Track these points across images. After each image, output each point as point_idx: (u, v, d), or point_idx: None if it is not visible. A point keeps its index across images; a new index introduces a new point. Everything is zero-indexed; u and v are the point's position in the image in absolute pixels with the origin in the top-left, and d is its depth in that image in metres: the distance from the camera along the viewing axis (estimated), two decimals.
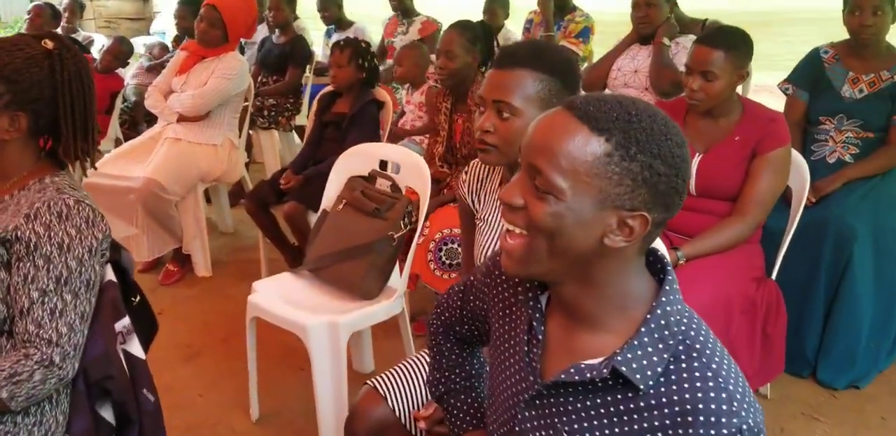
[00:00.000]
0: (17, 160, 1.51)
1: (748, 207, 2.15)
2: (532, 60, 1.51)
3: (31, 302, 1.39)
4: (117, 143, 4.70)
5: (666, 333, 0.92)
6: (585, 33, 4.05)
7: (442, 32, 2.83)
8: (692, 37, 3.14)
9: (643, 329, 0.93)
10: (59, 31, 5.54)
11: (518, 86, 1.50)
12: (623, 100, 0.95)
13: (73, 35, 5.33)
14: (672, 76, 3.02)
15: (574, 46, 4.01)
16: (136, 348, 1.66)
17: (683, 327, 0.93)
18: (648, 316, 0.93)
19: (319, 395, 2.21)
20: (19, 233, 1.40)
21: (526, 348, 1.05)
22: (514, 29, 4.83)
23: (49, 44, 1.49)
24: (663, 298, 0.94)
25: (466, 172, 1.78)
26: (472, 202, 1.77)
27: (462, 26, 2.82)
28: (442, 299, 1.39)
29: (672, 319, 0.93)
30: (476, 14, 5.01)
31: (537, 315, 1.04)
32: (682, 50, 3.08)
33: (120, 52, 4.73)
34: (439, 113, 2.91)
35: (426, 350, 1.74)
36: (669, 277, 0.97)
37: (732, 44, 2.14)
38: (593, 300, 0.97)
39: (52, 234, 1.40)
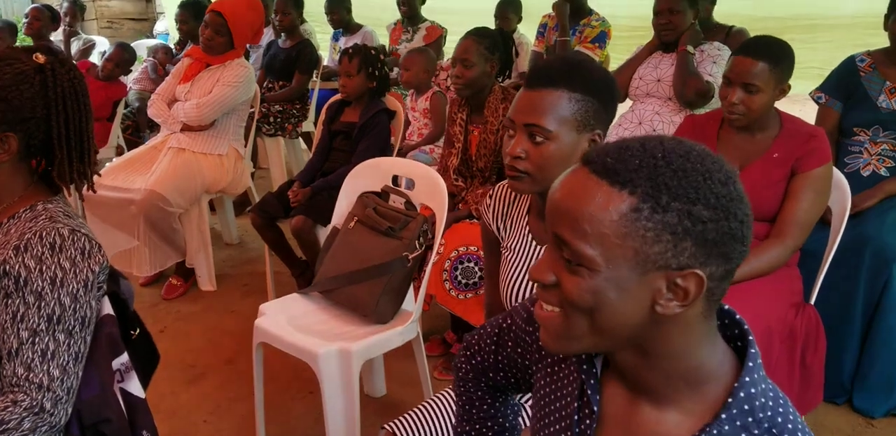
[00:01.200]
0: (6, 185, 1.39)
1: (788, 229, 2.02)
2: (566, 79, 1.39)
3: (20, 342, 1.27)
4: (119, 150, 4.60)
5: (750, 420, 0.79)
6: (602, 38, 3.91)
7: (459, 39, 2.70)
8: (718, 45, 3.02)
9: (724, 415, 0.79)
10: (59, 33, 5.44)
11: (552, 107, 1.37)
12: (648, 142, 0.82)
13: (73, 38, 5.22)
14: (697, 85, 2.89)
15: (590, 51, 3.88)
16: (134, 386, 1.54)
17: (770, 413, 0.80)
18: (730, 400, 0.80)
19: (330, 424, 2.09)
20: (8, 267, 1.28)
21: (577, 417, 0.92)
22: (527, 33, 4.70)
23: (41, 58, 1.37)
24: (746, 378, 0.80)
25: (491, 197, 1.66)
26: (497, 229, 1.64)
27: (480, 34, 2.70)
28: (472, 341, 1.27)
29: (757, 403, 0.80)
30: (485, 18, 4.91)
31: (591, 382, 0.91)
32: (706, 58, 2.96)
33: (122, 59, 4.60)
34: (454, 124, 2.79)
35: (450, 390, 1.62)
36: (752, 350, 0.83)
37: (777, 56, 2.00)
38: (656, 373, 0.84)
39: (45, 267, 1.29)
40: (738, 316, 0.87)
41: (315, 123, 4.76)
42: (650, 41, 3.15)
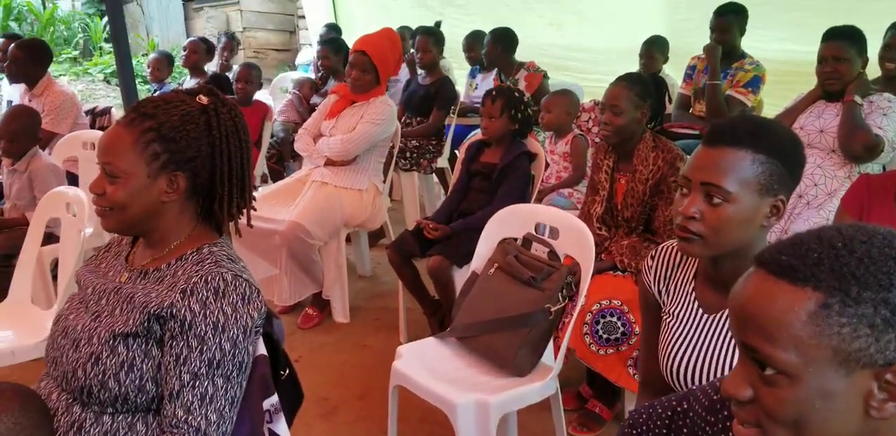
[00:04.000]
0: (175, 224, 1.46)
1: None
2: (751, 139, 1.32)
3: (181, 385, 1.32)
4: (263, 178, 4.78)
5: None
6: (755, 83, 3.74)
7: (608, 85, 2.65)
8: (888, 96, 2.82)
9: None
10: (214, 66, 5.76)
11: (733, 168, 1.31)
12: (823, 232, 0.77)
13: (227, 72, 5.51)
14: (865, 139, 2.71)
15: (742, 97, 3.73)
16: (282, 427, 1.57)
17: None
18: None
19: None
20: (175, 310, 1.33)
21: None
22: (673, 75, 4.58)
23: (204, 99, 1.43)
24: None
25: (653, 257, 1.59)
26: (659, 293, 1.57)
27: (631, 80, 2.64)
28: (639, 419, 1.20)
29: None
30: (626, 57, 4.81)
31: None
32: (875, 110, 2.77)
33: (249, 76, 4.66)
34: (599, 170, 2.73)
35: None
36: None
37: None
38: None
39: (208, 312, 1.33)
40: None
41: (450, 160, 4.82)
42: (812, 90, 2.99)
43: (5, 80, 5.08)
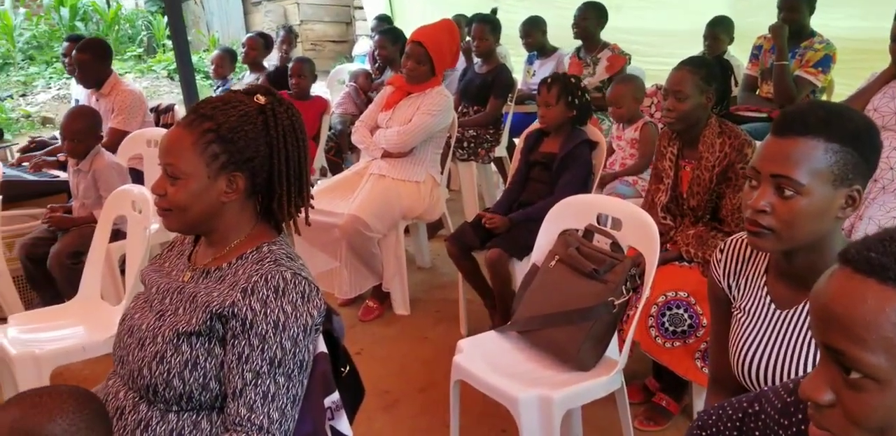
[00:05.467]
0: (235, 223, 1.47)
1: None
2: (824, 127, 1.24)
3: (244, 383, 1.32)
4: (322, 171, 4.81)
5: None
6: (826, 62, 3.58)
7: (671, 70, 2.56)
8: None
9: None
10: (274, 60, 5.81)
11: (805, 158, 1.24)
12: None
13: (288, 64, 5.54)
14: None
15: (811, 77, 3.58)
16: (343, 424, 1.57)
17: None
18: None
19: None
20: (236, 309, 1.34)
21: None
22: (738, 56, 4.41)
23: (261, 99, 1.43)
24: None
25: (722, 251, 1.52)
26: (728, 287, 1.51)
27: (695, 64, 2.55)
28: (708, 420, 1.15)
29: None
30: (688, 38, 4.66)
31: None
32: None
33: (303, 70, 4.64)
34: (663, 158, 2.65)
35: None
36: None
37: None
38: None
39: (269, 311, 1.33)
40: None
41: (508, 148, 4.76)
42: (886, 69, 2.83)
43: (73, 79, 5.22)
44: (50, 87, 10.34)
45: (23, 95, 10.21)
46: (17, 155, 5.00)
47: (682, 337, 2.29)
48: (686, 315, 2.29)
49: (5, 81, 10.59)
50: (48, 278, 3.23)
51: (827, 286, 0.75)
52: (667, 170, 2.61)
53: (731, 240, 1.53)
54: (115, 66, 10.45)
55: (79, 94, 4.91)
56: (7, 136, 7.48)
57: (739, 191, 2.43)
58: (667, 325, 2.31)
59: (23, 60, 11.19)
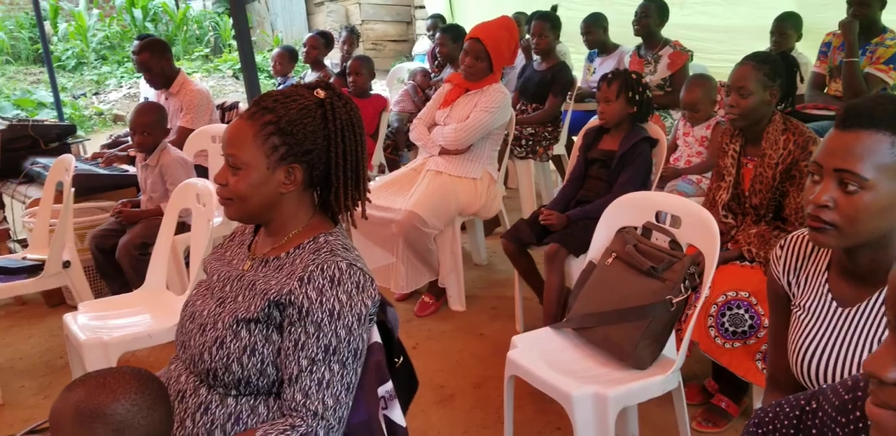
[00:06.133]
0: (293, 214, 1.50)
1: None
2: (890, 120, 1.21)
3: (299, 370, 1.36)
4: (381, 169, 4.86)
5: None
6: None
7: (734, 66, 2.51)
8: None
9: None
10: (336, 59, 5.90)
11: (870, 152, 1.21)
12: None
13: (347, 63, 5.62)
14: None
15: (882, 74, 3.46)
16: (397, 414, 1.59)
17: None
18: None
19: None
20: (293, 297, 1.37)
21: None
22: (806, 53, 4.29)
23: (321, 93, 1.46)
24: None
25: (782, 247, 1.49)
26: (788, 284, 1.47)
27: (759, 59, 2.49)
28: (764, 418, 1.13)
29: None
30: (754, 35, 4.55)
31: None
32: None
33: (362, 68, 4.69)
34: (725, 155, 2.59)
35: None
36: None
37: None
38: None
39: (324, 299, 1.36)
40: None
41: (566, 146, 4.73)
42: None
43: (142, 79, 5.38)
44: (121, 86, 10.71)
45: (96, 94, 10.59)
46: (90, 151, 5.20)
47: (742, 338, 2.25)
48: (747, 316, 2.24)
49: (79, 80, 11.01)
50: (117, 269, 3.35)
51: None
52: (728, 168, 2.56)
53: (792, 236, 1.50)
54: (183, 65, 10.83)
55: (148, 92, 5.05)
56: (80, 132, 7.78)
57: (804, 190, 2.37)
58: (726, 325, 2.26)
59: (96, 60, 11.61)
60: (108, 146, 4.95)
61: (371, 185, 3.61)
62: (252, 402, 1.42)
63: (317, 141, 1.44)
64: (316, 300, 1.36)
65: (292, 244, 1.48)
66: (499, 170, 3.75)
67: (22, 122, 4.62)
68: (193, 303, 1.54)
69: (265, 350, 1.40)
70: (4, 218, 4.35)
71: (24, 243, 4.17)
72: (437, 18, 6.60)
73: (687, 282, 2.11)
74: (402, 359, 1.69)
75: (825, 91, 3.90)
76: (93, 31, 11.87)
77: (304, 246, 1.47)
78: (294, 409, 1.35)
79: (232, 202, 1.46)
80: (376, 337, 1.53)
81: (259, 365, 1.39)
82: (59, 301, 3.82)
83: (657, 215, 2.35)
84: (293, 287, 1.38)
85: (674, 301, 2.08)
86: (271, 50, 11.28)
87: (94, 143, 6.37)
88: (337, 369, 1.36)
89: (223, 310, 1.45)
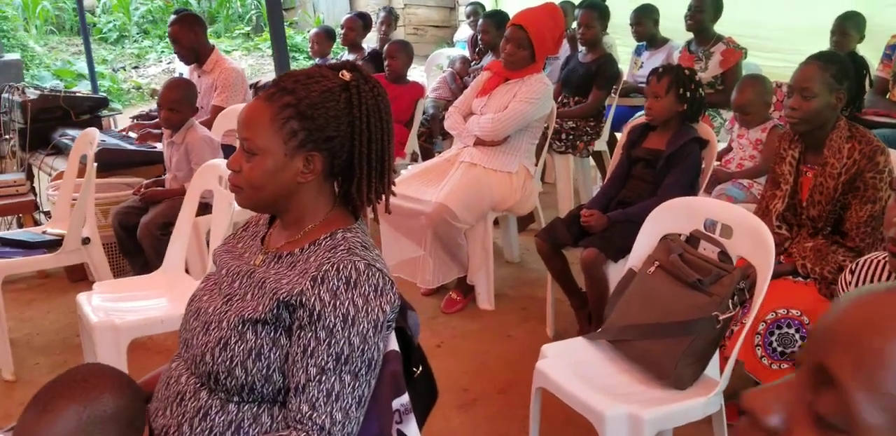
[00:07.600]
0: (311, 206, 1.37)
1: None
2: None
3: (307, 378, 1.23)
4: (413, 157, 4.72)
5: None
6: None
7: (798, 65, 2.32)
8: None
9: None
10: (373, 41, 5.76)
11: None
12: None
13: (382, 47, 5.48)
14: None
15: None
16: (412, 428, 1.46)
17: None
18: None
19: None
20: (304, 298, 1.25)
21: None
22: (867, 55, 4.06)
23: (346, 75, 1.32)
24: None
25: (853, 272, 1.34)
26: None
27: (827, 59, 2.30)
28: None
29: None
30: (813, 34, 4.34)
31: None
32: None
33: (401, 53, 4.49)
34: (782, 162, 2.42)
35: None
36: None
37: None
38: None
39: (338, 303, 1.24)
40: None
41: (608, 143, 4.55)
42: None
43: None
44: (161, 61, 10.70)
45: (135, 67, 10.59)
46: (121, 124, 5.13)
47: (790, 359, 2.08)
48: (797, 336, 2.08)
49: (120, 53, 11.01)
50: (139, 248, 3.26)
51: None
52: (785, 175, 2.38)
53: (866, 260, 1.34)
54: (224, 43, 10.76)
55: (183, 69, 4.97)
56: (117, 105, 7.75)
57: (868, 202, 2.20)
58: (774, 345, 2.10)
59: (137, 33, 11.60)
60: (139, 118, 4.88)
61: (403, 174, 3.54)
62: (255, 410, 1.30)
63: (340, 127, 1.31)
64: (329, 303, 1.24)
65: (307, 240, 1.36)
66: (536, 165, 3.59)
67: (54, 92, 4.55)
68: (200, 298, 1.42)
69: (272, 355, 1.28)
70: (32, 189, 4.29)
71: (49, 216, 4.12)
72: (477, 5, 6.46)
73: (735, 297, 1.95)
74: (420, 369, 1.56)
75: (887, 96, 3.69)
76: (135, 4, 11.85)
77: (319, 242, 1.34)
78: (299, 421, 1.24)
79: (243, 190, 1.34)
80: (394, 345, 1.40)
81: (264, 371, 1.28)
82: (81, 276, 3.76)
83: (705, 223, 2.18)
84: (305, 287, 1.26)
85: (720, 318, 1.92)
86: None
87: (127, 116, 6.32)
88: (348, 381, 1.24)
89: (230, 308, 1.33)
